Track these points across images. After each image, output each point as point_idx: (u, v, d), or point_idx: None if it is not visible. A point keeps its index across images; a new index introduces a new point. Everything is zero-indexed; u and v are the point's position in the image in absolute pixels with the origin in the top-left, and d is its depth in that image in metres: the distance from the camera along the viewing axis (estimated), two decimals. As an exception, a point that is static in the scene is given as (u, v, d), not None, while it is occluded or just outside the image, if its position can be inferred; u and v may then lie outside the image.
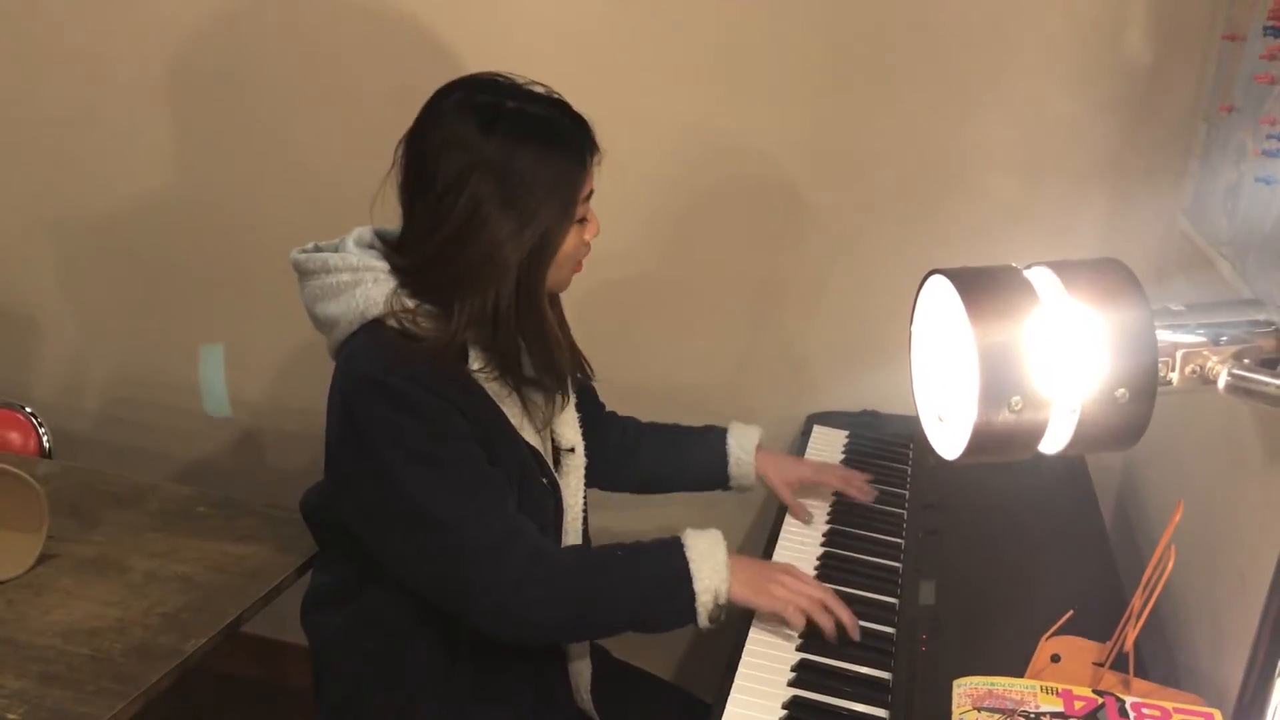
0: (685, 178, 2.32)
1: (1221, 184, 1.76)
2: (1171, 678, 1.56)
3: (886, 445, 2.16)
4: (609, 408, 2.00)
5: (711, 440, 1.94)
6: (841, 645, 1.58)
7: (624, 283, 2.40)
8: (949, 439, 0.79)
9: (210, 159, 2.56)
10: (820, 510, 1.93)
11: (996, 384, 0.74)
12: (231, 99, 2.51)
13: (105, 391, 2.77)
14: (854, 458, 2.11)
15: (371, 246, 1.62)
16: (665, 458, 1.95)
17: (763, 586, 1.59)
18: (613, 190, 2.34)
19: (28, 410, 2.13)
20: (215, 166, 2.56)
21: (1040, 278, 0.78)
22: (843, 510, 1.94)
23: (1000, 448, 0.76)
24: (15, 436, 2.10)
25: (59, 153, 2.64)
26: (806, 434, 2.22)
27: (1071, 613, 1.46)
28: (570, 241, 1.58)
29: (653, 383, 2.40)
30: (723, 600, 1.57)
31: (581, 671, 1.77)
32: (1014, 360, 0.74)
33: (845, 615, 1.60)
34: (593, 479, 1.87)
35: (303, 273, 1.62)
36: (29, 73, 2.61)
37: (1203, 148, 1.92)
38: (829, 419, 2.27)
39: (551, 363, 1.61)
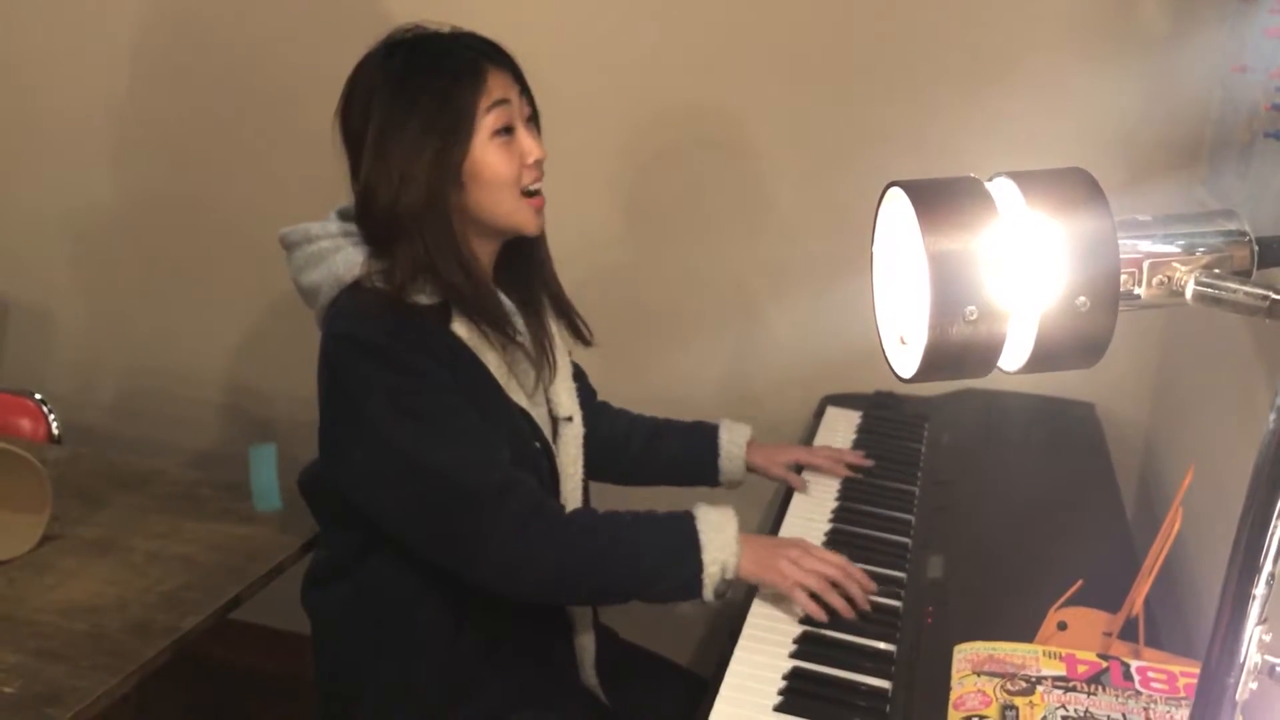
0: (684, 162, 2.31)
1: (1235, 146, 1.72)
2: (1189, 649, 1.52)
3: (900, 424, 2.13)
4: (614, 402, 1.99)
5: (703, 435, 1.92)
6: (851, 620, 1.55)
7: (625, 272, 2.39)
8: (908, 358, 0.76)
9: (221, 150, 2.57)
10: (830, 487, 1.90)
11: (950, 293, 0.71)
12: (244, 90, 2.52)
13: (120, 383, 2.78)
14: (866, 437, 2.08)
15: (353, 219, 1.63)
16: (655, 448, 1.92)
17: (771, 564, 1.56)
18: (608, 181, 2.35)
19: (37, 397, 2.14)
20: (226, 158, 2.57)
21: (1001, 188, 0.76)
22: (852, 487, 1.91)
23: (957, 362, 0.73)
24: (25, 423, 2.11)
25: (72, 147, 2.66)
26: (820, 415, 2.19)
27: (1081, 582, 1.42)
28: (492, 159, 1.55)
29: (663, 374, 2.38)
30: (730, 575, 1.54)
31: (586, 647, 1.75)
32: (968, 269, 0.71)
33: (855, 590, 1.56)
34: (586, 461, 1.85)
35: (288, 246, 1.64)
36: (39, 67, 2.63)
37: (1218, 111, 1.88)
38: (843, 400, 2.24)
39: (482, 303, 1.57)
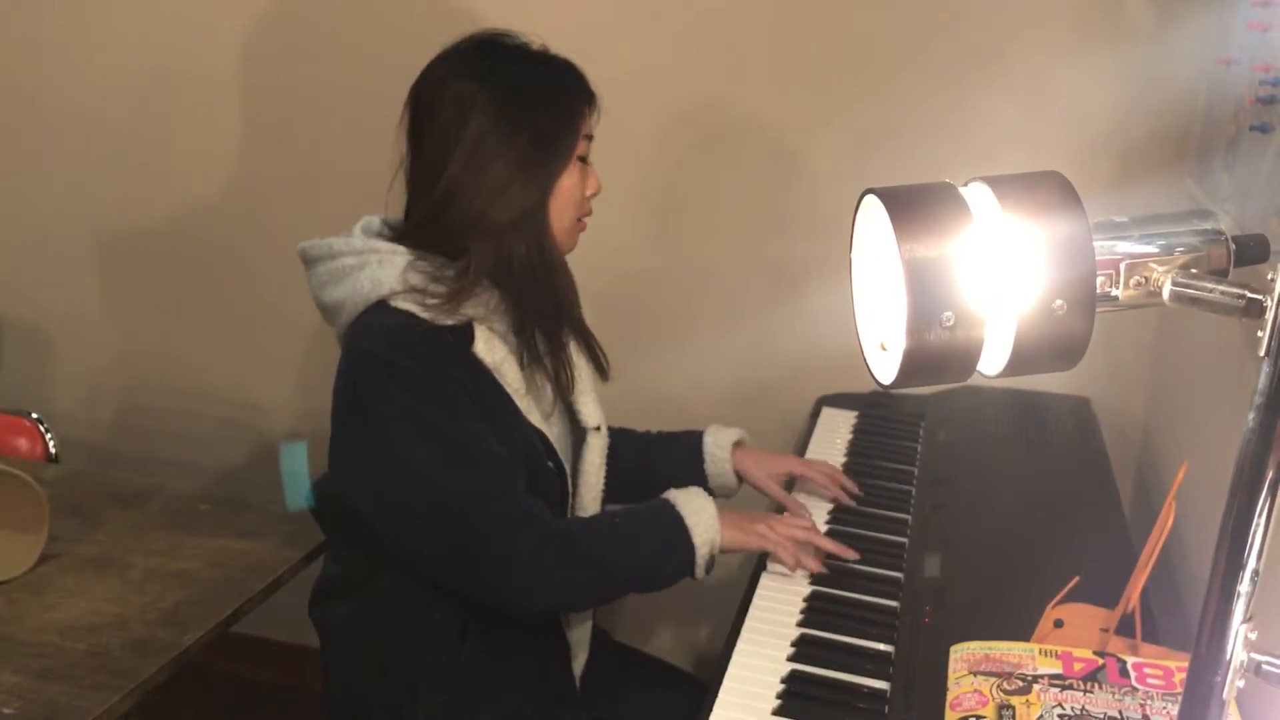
0: (681, 163, 2.31)
1: (1222, 139, 1.72)
2: (1188, 643, 1.51)
3: (895, 423, 2.13)
4: (608, 406, 1.96)
5: (688, 441, 1.91)
6: (848, 574, 1.65)
7: (622, 278, 2.39)
8: (888, 364, 0.77)
9: (221, 164, 2.57)
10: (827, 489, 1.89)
11: (926, 300, 0.71)
12: (241, 104, 2.53)
13: (121, 400, 2.78)
14: (862, 437, 2.08)
15: (379, 234, 1.63)
16: (642, 460, 1.91)
17: (751, 529, 1.64)
18: (609, 183, 2.34)
19: (34, 416, 2.14)
20: (226, 172, 2.57)
21: (975, 194, 0.76)
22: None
23: (936, 368, 0.74)
24: (23, 442, 2.11)
25: (72, 162, 2.67)
26: (816, 416, 2.19)
27: (1077, 579, 1.42)
28: (572, 180, 1.60)
29: (658, 377, 2.38)
30: (717, 550, 1.61)
31: (579, 654, 1.75)
32: (944, 275, 0.72)
33: (831, 546, 1.67)
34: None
35: (309, 260, 1.63)
36: (41, 85, 2.64)
37: (1205, 105, 1.88)
38: (839, 401, 2.24)
39: (565, 306, 1.64)
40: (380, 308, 1.54)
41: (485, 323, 1.57)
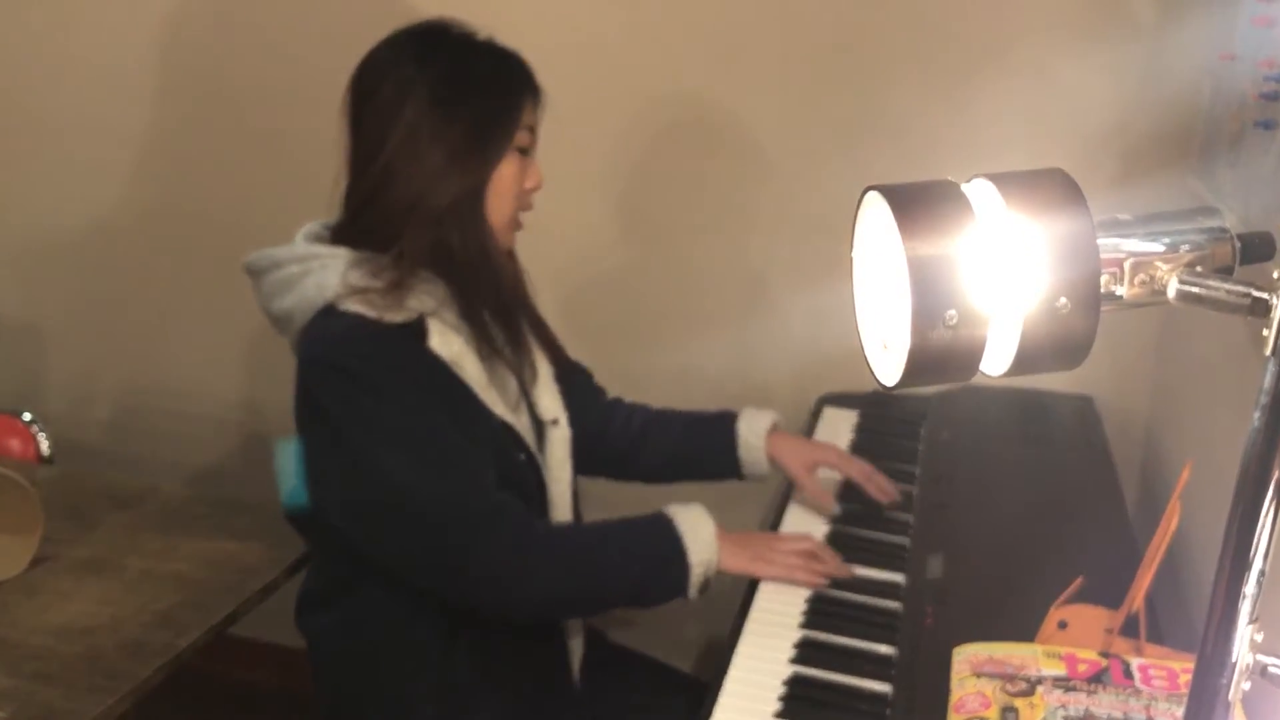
0: (673, 159, 2.30)
1: (1225, 135, 1.71)
2: (1193, 644, 1.50)
3: (897, 422, 2.12)
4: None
5: (721, 426, 1.87)
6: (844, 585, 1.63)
7: (619, 275, 2.38)
8: (890, 365, 0.75)
9: (211, 166, 2.56)
10: (829, 487, 1.87)
11: (929, 298, 0.70)
12: (229, 106, 2.52)
13: (115, 400, 2.77)
14: (864, 436, 2.07)
15: (320, 239, 1.62)
16: (673, 445, 1.88)
17: (758, 553, 1.62)
18: (599, 184, 2.34)
19: (26, 418, 2.13)
20: (219, 171, 2.56)
21: (979, 191, 0.75)
22: (850, 486, 1.88)
23: (940, 368, 0.72)
24: (15, 443, 2.10)
25: (63, 161, 2.66)
26: (817, 415, 2.18)
27: (1081, 579, 1.41)
28: (509, 171, 1.57)
29: (658, 377, 2.37)
30: (712, 573, 1.58)
31: (574, 651, 1.74)
32: (947, 274, 0.70)
33: (831, 568, 1.64)
34: (598, 467, 1.83)
35: (254, 273, 1.62)
36: (30, 82, 2.63)
37: (1208, 101, 1.87)
38: (840, 400, 2.22)
39: (503, 297, 1.60)
40: (328, 312, 1.53)
41: (436, 316, 1.55)
